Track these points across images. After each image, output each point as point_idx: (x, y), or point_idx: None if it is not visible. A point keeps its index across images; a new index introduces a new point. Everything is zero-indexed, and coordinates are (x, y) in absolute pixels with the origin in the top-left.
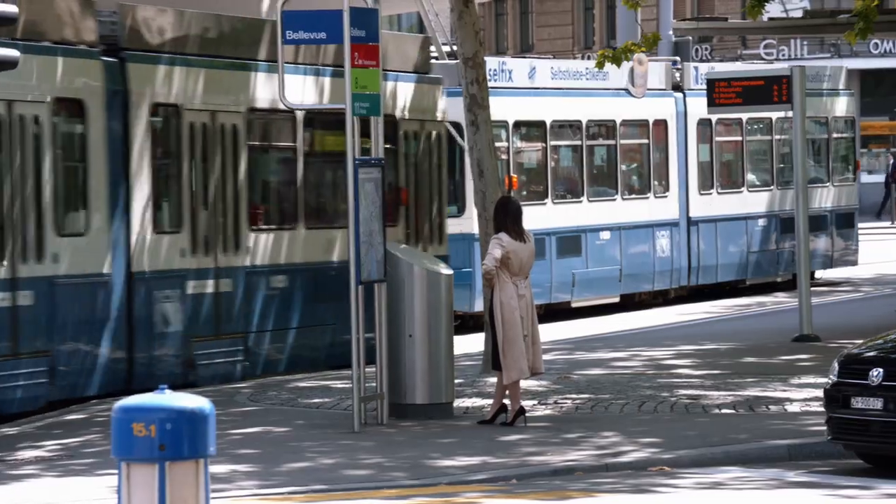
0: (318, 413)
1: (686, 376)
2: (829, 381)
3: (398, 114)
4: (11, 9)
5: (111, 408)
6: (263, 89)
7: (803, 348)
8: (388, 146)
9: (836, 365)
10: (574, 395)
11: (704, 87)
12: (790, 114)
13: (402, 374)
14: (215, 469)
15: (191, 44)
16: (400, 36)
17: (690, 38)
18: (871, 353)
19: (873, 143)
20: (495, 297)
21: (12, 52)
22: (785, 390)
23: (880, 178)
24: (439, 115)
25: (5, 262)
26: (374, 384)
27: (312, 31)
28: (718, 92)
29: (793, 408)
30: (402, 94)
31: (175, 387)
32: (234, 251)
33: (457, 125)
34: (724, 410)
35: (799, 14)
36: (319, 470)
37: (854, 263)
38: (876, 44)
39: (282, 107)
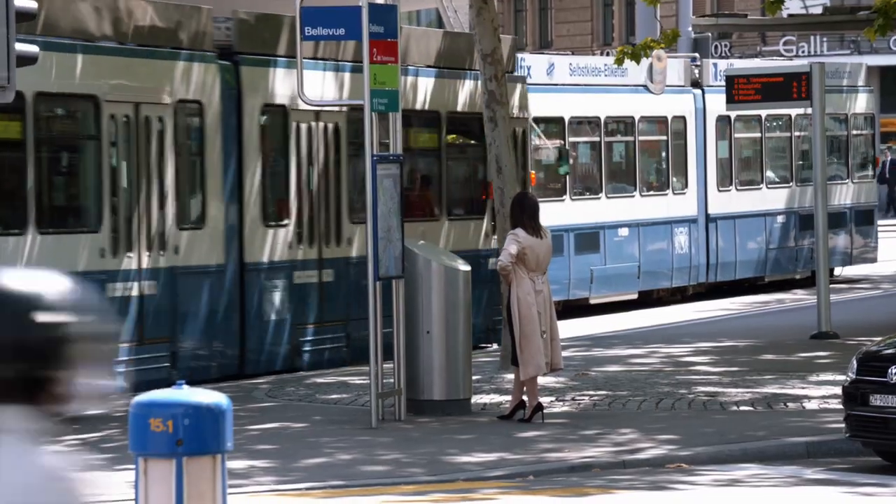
0: (335, 409)
1: (704, 373)
2: (848, 379)
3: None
4: (31, 4)
5: (129, 402)
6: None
7: (822, 345)
8: (479, 142)
9: (854, 362)
10: (592, 392)
11: (723, 83)
12: (809, 110)
13: (419, 371)
14: (233, 464)
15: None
16: (452, 33)
17: (710, 34)
18: (890, 351)
19: (893, 140)
20: (512, 293)
21: (33, 49)
22: (803, 387)
23: None
24: (523, 112)
25: (132, 254)
26: (391, 380)
27: (331, 27)
28: (738, 88)
29: (811, 405)
30: None
31: (282, 372)
32: (336, 243)
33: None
34: (741, 407)
35: (818, 10)
36: (337, 466)
37: (874, 260)
38: None
39: None
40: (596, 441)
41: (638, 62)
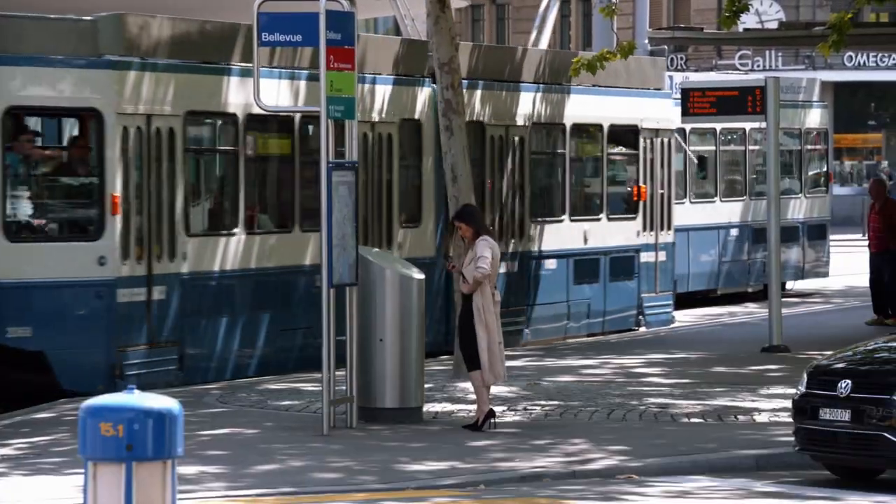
0: (287, 415)
1: (656, 384)
2: (798, 392)
3: (639, 124)
4: None
5: (79, 407)
6: (539, 106)
7: (773, 359)
8: (632, 151)
9: (805, 376)
10: (543, 402)
11: (679, 95)
12: (764, 124)
13: (372, 378)
14: (183, 470)
15: (489, 72)
16: (640, 58)
17: (666, 47)
18: (840, 365)
19: (846, 156)
20: (477, 301)
21: None
22: (754, 400)
23: (850, 190)
24: (669, 124)
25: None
26: (343, 388)
27: (288, 33)
28: (693, 102)
29: (761, 418)
30: (642, 107)
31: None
32: (519, 239)
33: (681, 131)
34: (692, 419)
35: (774, 25)
36: (288, 472)
37: (825, 275)
38: (850, 56)
39: (555, 121)
40: (547, 451)
41: (594, 73)
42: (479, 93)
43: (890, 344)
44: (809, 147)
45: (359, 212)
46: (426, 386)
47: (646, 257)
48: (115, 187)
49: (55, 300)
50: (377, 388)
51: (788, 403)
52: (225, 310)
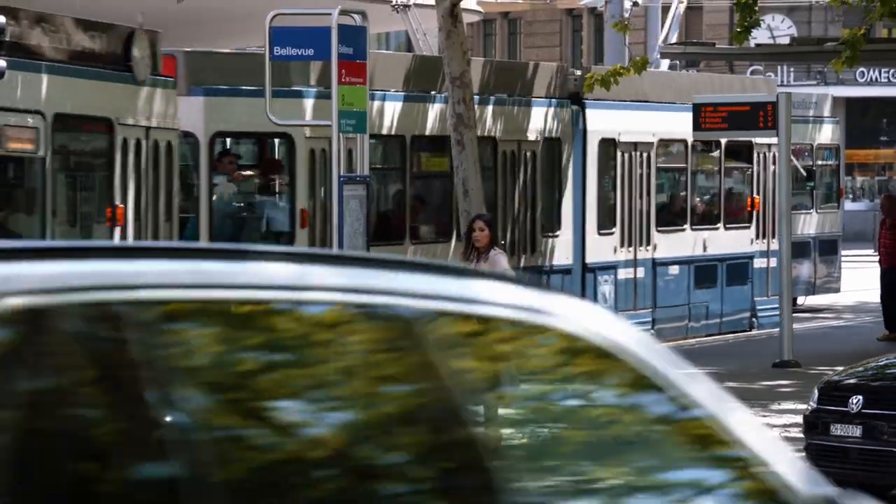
0: None
1: None
2: (809, 408)
3: (755, 140)
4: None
5: None
6: (668, 124)
7: (784, 374)
8: (747, 165)
9: (816, 391)
10: None
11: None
12: (775, 140)
13: None
14: None
15: (622, 93)
16: (754, 79)
17: (678, 62)
18: (852, 381)
19: (858, 171)
20: None
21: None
22: (765, 416)
23: (862, 206)
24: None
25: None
26: None
27: (301, 47)
28: (704, 116)
29: (772, 434)
30: None
31: None
32: (645, 246)
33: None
34: None
35: (786, 41)
36: None
37: (837, 290)
38: (862, 72)
39: (676, 137)
40: None
41: (608, 88)
42: (614, 112)
43: None
44: (821, 163)
45: (500, 220)
46: None
47: (758, 263)
48: (304, 201)
49: None
50: None
51: (800, 419)
52: None
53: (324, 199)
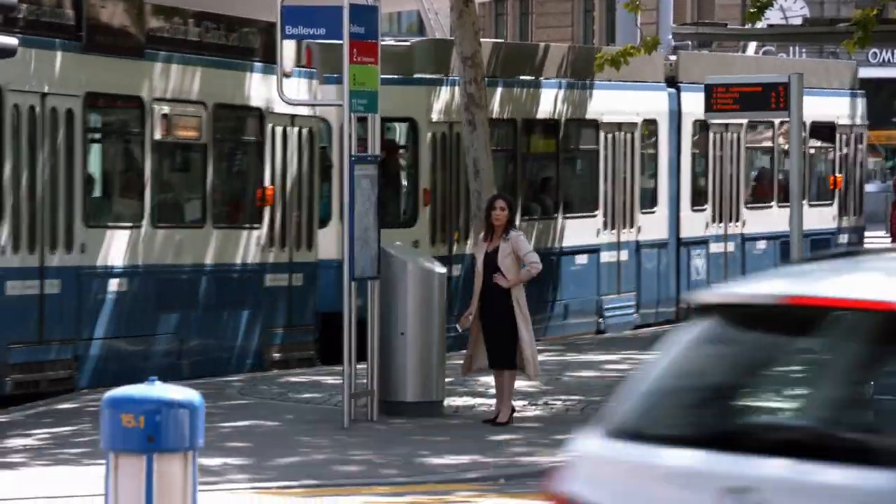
0: (307, 408)
1: None
2: None
3: (837, 121)
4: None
5: (102, 398)
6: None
7: None
8: (829, 144)
9: None
10: (564, 397)
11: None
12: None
13: (393, 372)
14: (206, 462)
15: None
16: (837, 63)
17: (690, 42)
18: None
19: (871, 152)
20: (517, 295)
21: (11, 41)
22: None
23: (875, 187)
24: (860, 121)
25: (605, 232)
26: (364, 381)
27: (312, 26)
28: (716, 97)
29: None
30: (839, 106)
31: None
32: (735, 222)
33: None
34: None
35: (798, 22)
36: (311, 465)
37: None
38: (875, 53)
39: (763, 118)
40: (568, 445)
41: (618, 69)
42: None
43: None
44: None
45: (603, 197)
46: (447, 380)
47: (841, 239)
48: (427, 182)
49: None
50: (398, 381)
51: None
52: None
53: (444, 178)
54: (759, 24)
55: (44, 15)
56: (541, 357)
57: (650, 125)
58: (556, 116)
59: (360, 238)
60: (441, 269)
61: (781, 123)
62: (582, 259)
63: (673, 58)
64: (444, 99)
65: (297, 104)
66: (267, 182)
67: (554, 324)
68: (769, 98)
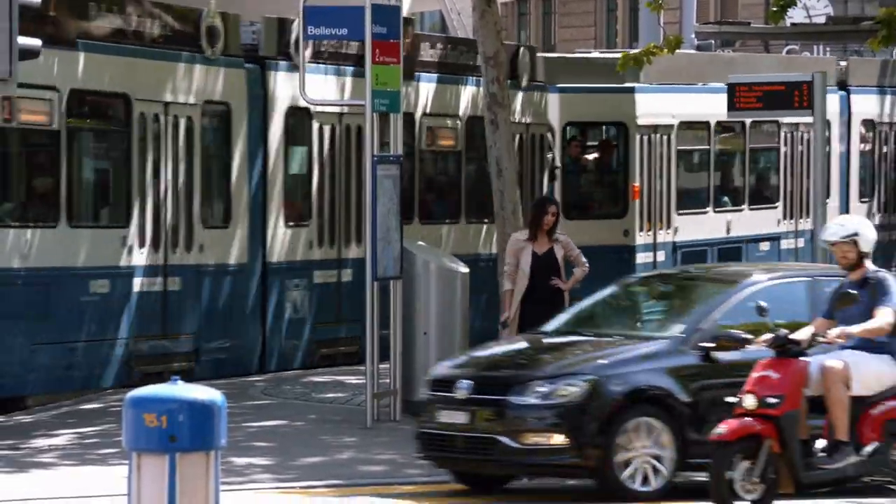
0: (331, 408)
1: None
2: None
3: None
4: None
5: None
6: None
7: None
8: None
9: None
10: None
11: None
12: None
13: (416, 372)
14: (230, 462)
15: (884, 80)
16: None
17: (713, 41)
18: (461, 368)
19: None
20: (568, 297)
21: (35, 42)
22: None
23: None
24: None
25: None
26: (387, 381)
27: (334, 27)
28: (738, 96)
29: None
30: None
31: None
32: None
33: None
34: None
35: (822, 20)
36: (334, 465)
37: None
38: None
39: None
40: None
41: (641, 68)
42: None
43: (509, 347)
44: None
45: (783, 192)
46: None
47: None
48: (636, 178)
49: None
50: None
51: None
52: None
53: (650, 174)
54: (783, 23)
55: (167, 28)
56: None
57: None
58: (743, 119)
59: (382, 238)
60: (464, 269)
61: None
62: (765, 246)
63: (843, 63)
64: (648, 105)
65: (318, 104)
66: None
67: None
68: (792, 97)
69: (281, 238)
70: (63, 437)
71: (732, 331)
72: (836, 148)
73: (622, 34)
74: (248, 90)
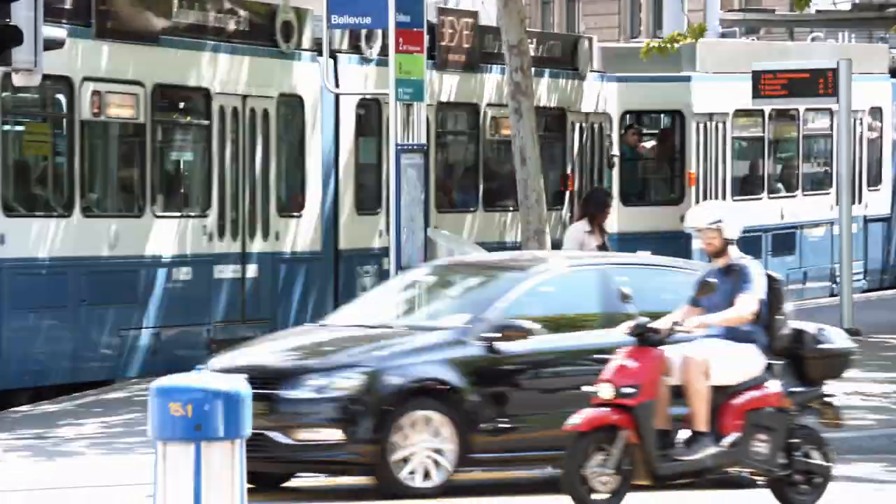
0: None
1: None
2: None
3: None
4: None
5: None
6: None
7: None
8: None
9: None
10: None
11: None
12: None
13: None
14: None
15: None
16: None
17: (737, 28)
18: (239, 360)
19: None
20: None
21: (60, 33)
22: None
23: None
24: None
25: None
26: None
27: (358, 15)
28: (763, 84)
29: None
30: None
31: None
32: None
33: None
34: None
35: (847, 7)
36: None
37: None
38: None
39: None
40: None
41: (665, 56)
42: None
43: (287, 339)
44: None
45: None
46: None
47: None
48: (692, 166)
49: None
50: None
51: (859, 387)
52: None
53: (706, 162)
54: (807, 10)
55: (243, 23)
56: None
57: (875, 112)
58: (797, 106)
59: (406, 227)
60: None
61: None
62: (819, 231)
63: (895, 51)
64: (703, 93)
65: (342, 94)
66: (569, 170)
67: (793, 287)
68: (816, 84)
69: (351, 226)
70: (89, 427)
71: (517, 320)
72: (889, 136)
73: (646, 22)
74: (320, 83)
